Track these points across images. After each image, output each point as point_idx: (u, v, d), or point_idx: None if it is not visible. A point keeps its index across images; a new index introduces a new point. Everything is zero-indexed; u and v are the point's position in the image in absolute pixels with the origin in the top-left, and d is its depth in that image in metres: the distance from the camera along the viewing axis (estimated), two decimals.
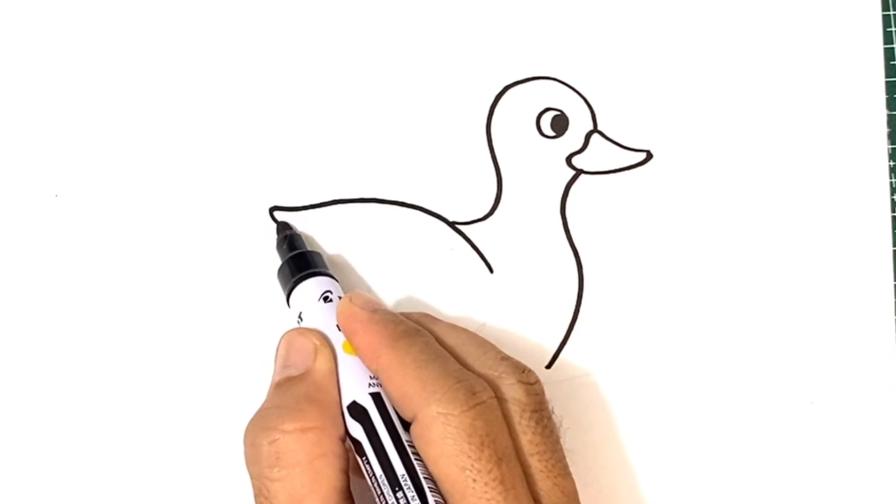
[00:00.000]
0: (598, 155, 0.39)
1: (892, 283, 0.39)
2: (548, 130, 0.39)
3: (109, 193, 0.39)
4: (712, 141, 0.39)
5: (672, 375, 0.38)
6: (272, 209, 0.39)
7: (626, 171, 0.39)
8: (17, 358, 0.38)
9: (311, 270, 0.36)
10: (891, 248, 0.39)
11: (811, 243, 0.39)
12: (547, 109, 0.40)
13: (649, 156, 0.39)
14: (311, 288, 0.35)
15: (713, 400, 0.38)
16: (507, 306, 0.39)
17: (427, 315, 0.36)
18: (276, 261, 0.38)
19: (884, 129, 0.39)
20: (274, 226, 0.39)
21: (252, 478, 0.32)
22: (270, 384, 0.34)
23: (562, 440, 0.33)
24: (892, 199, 0.39)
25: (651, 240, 0.39)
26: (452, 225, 0.39)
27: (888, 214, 0.39)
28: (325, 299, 0.35)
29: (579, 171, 0.39)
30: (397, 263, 0.39)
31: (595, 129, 0.39)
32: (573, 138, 0.39)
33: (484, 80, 0.40)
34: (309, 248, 0.37)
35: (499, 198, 0.39)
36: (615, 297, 0.39)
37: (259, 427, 0.31)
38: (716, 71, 0.40)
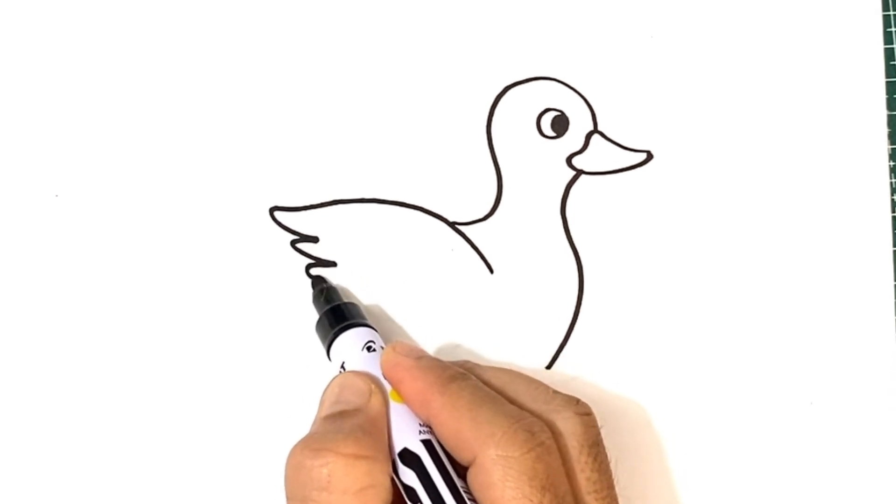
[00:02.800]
0: (599, 155, 0.39)
1: (892, 283, 0.39)
2: (548, 131, 0.39)
3: (109, 194, 0.39)
4: (712, 141, 0.39)
5: (672, 376, 0.38)
6: (272, 209, 0.39)
7: (627, 172, 0.39)
8: (17, 357, 0.38)
9: (352, 322, 0.36)
10: (891, 248, 0.39)
11: (811, 243, 0.39)
12: (547, 110, 0.40)
13: (649, 156, 0.39)
14: (352, 339, 0.35)
15: (713, 400, 0.38)
16: (508, 307, 0.39)
17: (468, 361, 0.36)
18: (274, 262, 0.38)
19: (884, 129, 0.39)
20: (281, 231, 0.39)
21: (292, 501, 0.30)
22: (315, 419, 0.33)
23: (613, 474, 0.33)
24: (893, 199, 0.39)
25: (651, 240, 0.39)
26: (453, 225, 0.39)
27: (888, 214, 0.39)
28: (368, 349, 0.35)
29: (579, 172, 0.39)
30: (397, 264, 0.39)
31: (595, 130, 0.39)
32: (573, 139, 0.39)
33: (484, 80, 0.40)
34: (346, 300, 0.37)
35: (499, 198, 0.39)
36: (615, 297, 0.39)
37: (310, 448, 0.30)
38: (716, 71, 0.40)
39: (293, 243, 0.39)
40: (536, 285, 0.39)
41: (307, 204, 0.39)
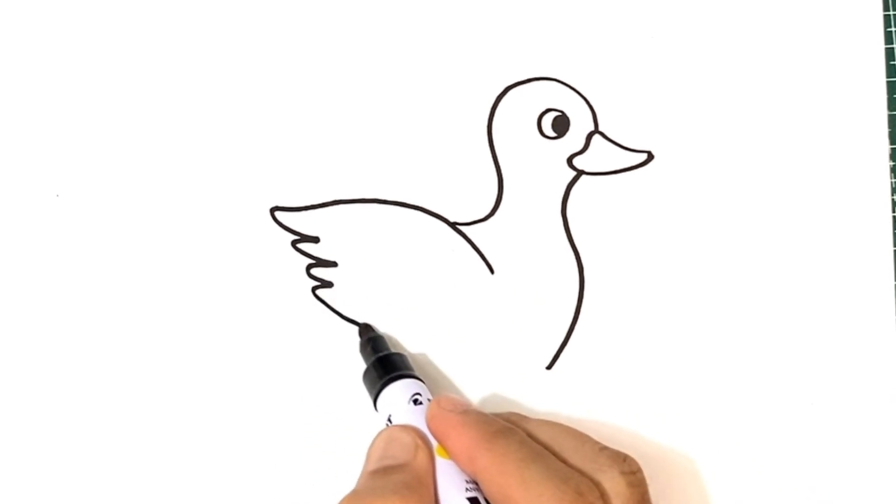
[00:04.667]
0: (599, 156, 0.39)
1: (893, 283, 0.39)
2: (549, 131, 0.39)
3: (110, 193, 0.39)
4: (713, 142, 0.39)
5: (672, 376, 0.38)
6: (273, 209, 0.39)
7: (627, 172, 0.39)
8: (19, 356, 0.38)
9: (399, 373, 0.36)
10: (891, 248, 0.39)
11: (812, 243, 0.39)
12: (548, 110, 0.40)
13: (650, 157, 0.39)
14: (399, 391, 0.35)
15: (713, 400, 0.38)
16: (508, 307, 0.39)
17: (515, 413, 0.35)
18: (275, 262, 0.38)
19: (884, 129, 0.39)
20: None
21: None
22: (362, 474, 0.33)
23: None
24: (893, 199, 0.39)
25: (652, 240, 0.39)
26: (453, 225, 0.39)
27: (888, 214, 0.39)
28: (415, 402, 0.35)
29: (580, 172, 0.39)
30: (398, 264, 0.39)
31: (596, 130, 0.39)
32: (574, 139, 0.39)
33: (485, 80, 0.40)
34: (393, 350, 0.37)
35: (500, 198, 0.39)
36: (616, 297, 0.39)
37: None
38: (716, 71, 0.40)
39: (294, 243, 0.39)
40: (537, 285, 0.39)
41: (308, 204, 0.39)
